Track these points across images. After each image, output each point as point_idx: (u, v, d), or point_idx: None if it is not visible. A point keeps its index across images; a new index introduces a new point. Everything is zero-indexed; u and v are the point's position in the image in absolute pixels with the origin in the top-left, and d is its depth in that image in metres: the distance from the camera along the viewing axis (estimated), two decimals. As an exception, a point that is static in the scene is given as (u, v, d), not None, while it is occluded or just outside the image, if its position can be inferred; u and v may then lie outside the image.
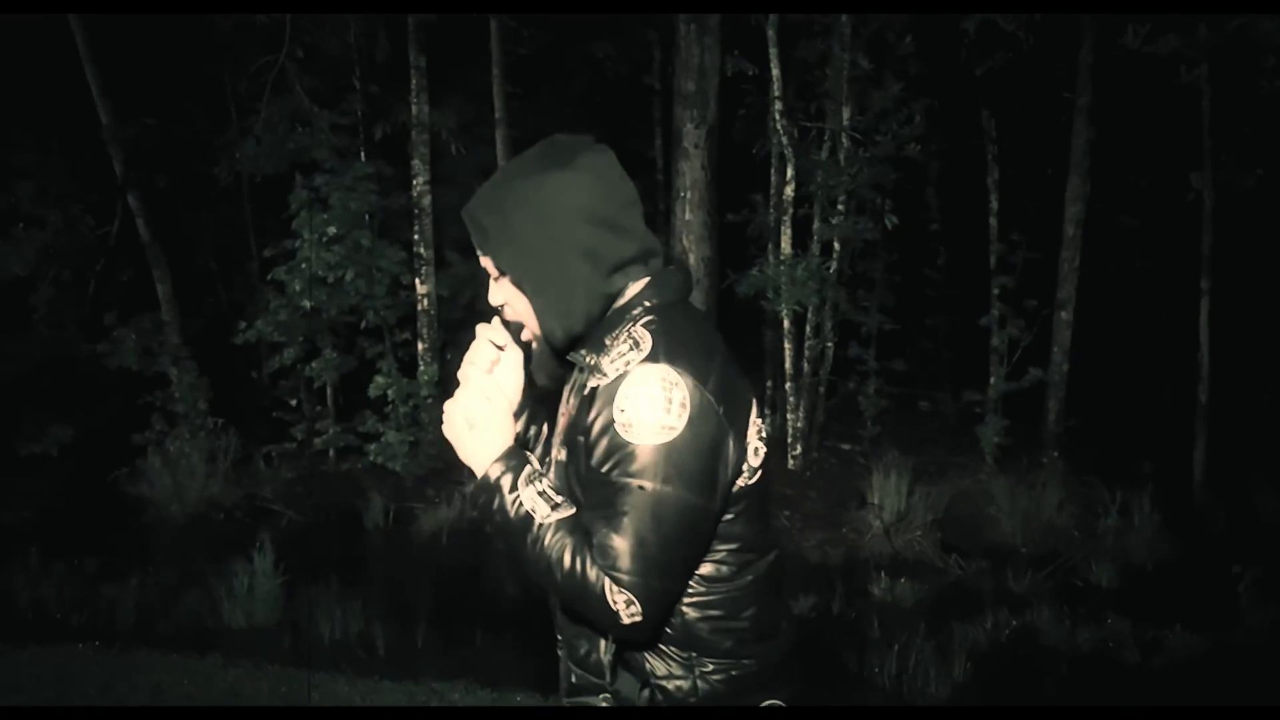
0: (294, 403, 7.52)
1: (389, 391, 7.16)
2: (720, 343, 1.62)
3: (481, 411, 1.63)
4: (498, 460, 1.61)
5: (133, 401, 7.31)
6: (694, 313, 1.65)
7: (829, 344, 7.32)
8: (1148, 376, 8.02)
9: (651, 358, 1.49)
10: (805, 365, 7.20)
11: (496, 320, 1.71)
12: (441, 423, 1.69)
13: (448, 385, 1.77)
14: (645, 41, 9.38)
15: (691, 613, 1.59)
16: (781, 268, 6.83)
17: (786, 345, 7.11)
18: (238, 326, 7.39)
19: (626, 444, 1.47)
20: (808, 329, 7.17)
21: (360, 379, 7.39)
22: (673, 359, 1.49)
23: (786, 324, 7.03)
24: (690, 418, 1.47)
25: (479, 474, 1.62)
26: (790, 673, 1.68)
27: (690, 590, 1.58)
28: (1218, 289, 6.78)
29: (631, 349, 1.51)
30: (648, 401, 1.46)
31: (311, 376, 7.33)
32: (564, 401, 1.71)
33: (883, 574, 5.58)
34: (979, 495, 6.55)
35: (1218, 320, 6.78)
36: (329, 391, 7.53)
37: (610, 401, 1.49)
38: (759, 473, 1.61)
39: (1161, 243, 8.19)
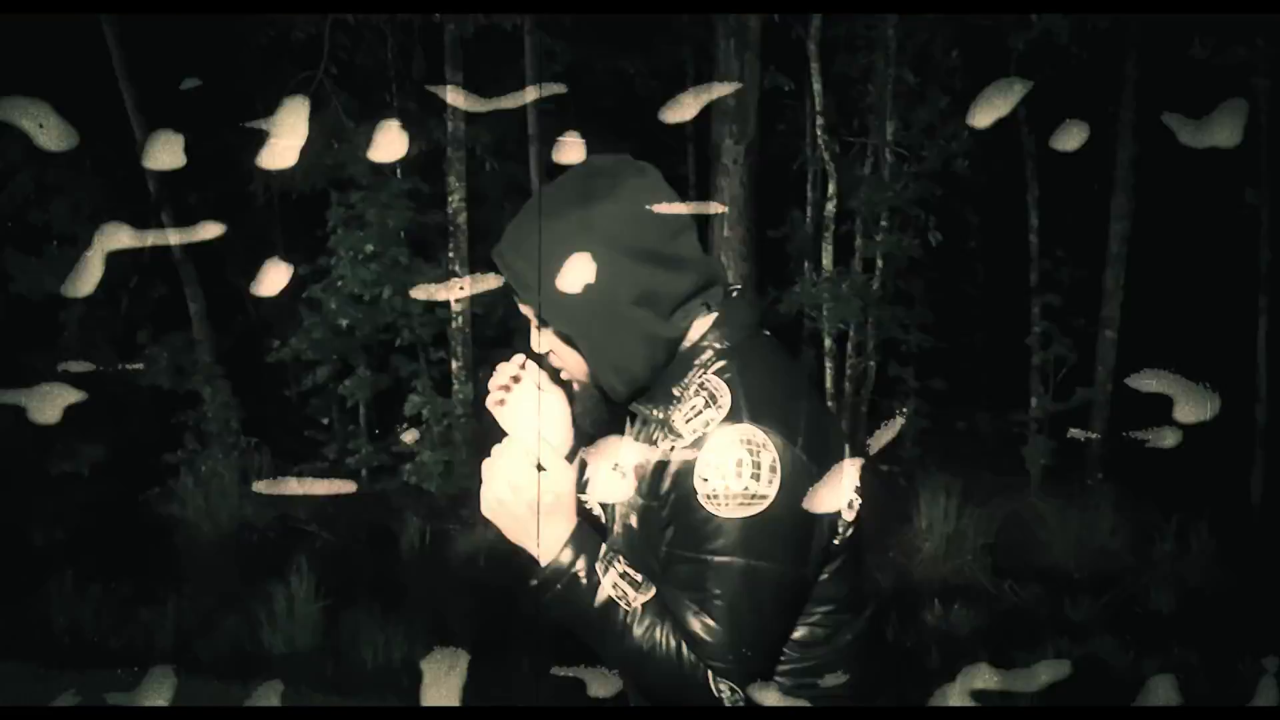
0: (326, 421, 7.44)
1: (424, 410, 7.06)
2: (803, 381, 1.44)
3: (541, 489, 1.38)
4: (568, 544, 1.39)
5: (164, 420, 7.23)
6: (770, 349, 1.44)
7: (872, 362, 7.19)
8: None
9: (733, 416, 1.30)
10: (847, 385, 7.06)
11: (529, 362, 1.52)
12: (482, 500, 1.43)
13: (482, 406, 1.56)
14: (678, 58, 9.31)
15: (786, 682, 1.42)
16: (825, 284, 6.72)
17: (828, 364, 6.98)
18: (271, 345, 7.32)
19: (712, 518, 1.28)
20: (849, 347, 7.04)
21: (392, 398, 7.30)
22: (756, 416, 1.30)
23: (828, 342, 6.91)
24: (782, 482, 1.28)
25: (545, 561, 1.40)
26: None
27: (783, 657, 1.42)
28: (1275, 306, 6.62)
29: (708, 405, 1.33)
30: (733, 469, 1.27)
31: (344, 395, 7.24)
32: None
33: (936, 600, 5.43)
34: (1029, 518, 6.39)
35: (1276, 339, 6.62)
36: (361, 410, 7.45)
37: (690, 469, 1.30)
38: (853, 527, 1.43)
39: (1212, 259, 8.03)
